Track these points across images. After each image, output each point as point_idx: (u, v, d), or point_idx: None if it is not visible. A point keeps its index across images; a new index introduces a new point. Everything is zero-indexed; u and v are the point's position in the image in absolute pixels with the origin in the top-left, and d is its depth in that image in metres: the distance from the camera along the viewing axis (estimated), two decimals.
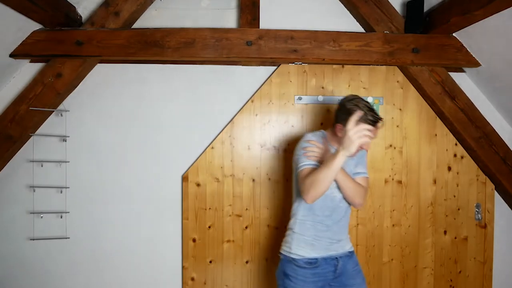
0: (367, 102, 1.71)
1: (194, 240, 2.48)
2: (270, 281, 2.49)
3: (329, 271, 1.76)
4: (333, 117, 1.81)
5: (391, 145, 2.51)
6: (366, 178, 1.85)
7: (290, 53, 2.32)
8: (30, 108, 2.30)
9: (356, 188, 1.73)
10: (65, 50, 2.26)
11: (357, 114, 1.54)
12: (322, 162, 1.66)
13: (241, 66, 2.53)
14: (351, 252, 1.85)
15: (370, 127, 1.56)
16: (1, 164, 2.41)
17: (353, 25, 2.53)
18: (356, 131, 1.50)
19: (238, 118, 2.48)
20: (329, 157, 1.59)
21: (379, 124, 1.69)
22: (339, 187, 1.73)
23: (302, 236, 1.77)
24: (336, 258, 1.78)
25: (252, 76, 2.53)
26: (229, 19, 2.51)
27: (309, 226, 1.77)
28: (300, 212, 1.80)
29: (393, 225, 2.51)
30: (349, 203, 1.80)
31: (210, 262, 2.48)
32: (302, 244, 1.76)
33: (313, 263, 1.74)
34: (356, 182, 1.76)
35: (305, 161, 1.71)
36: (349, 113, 1.61)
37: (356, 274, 1.82)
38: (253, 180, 2.49)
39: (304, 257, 1.74)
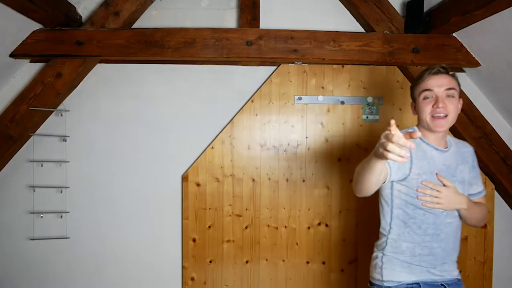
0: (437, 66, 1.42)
1: (194, 240, 2.48)
2: (270, 281, 2.49)
3: None
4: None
5: None
6: (484, 196, 1.54)
7: (290, 53, 2.32)
8: (30, 108, 2.30)
9: (482, 213, 1.46)
10: (65, 50, 2.26)
11: (394, 129, 1.04)
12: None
13: (241, 66, 2.53)
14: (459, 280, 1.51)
15: (405, 147, 1.02)
16: (1, 164, 2.41)
17: (353, 25, 2.53)
18: (385, 141, 1.04)
19: (238, 118, 2.48)
20: (370, 155, 1.25)
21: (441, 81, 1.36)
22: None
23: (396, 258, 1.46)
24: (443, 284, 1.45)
25: (252, 76, 2.53)
26: (229, 19, 2.51)
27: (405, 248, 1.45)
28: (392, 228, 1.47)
29: None
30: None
31: (210, 262, 2.48)
32: (397, 268, 1.45)
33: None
34: (481, 207, 1.47)
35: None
36: (413, 88, 1.42)
37: None
38: (253, 180, 2.49)
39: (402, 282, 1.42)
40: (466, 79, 2.52)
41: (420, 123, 1.47)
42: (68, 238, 2.49)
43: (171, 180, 2.52)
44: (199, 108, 2.52)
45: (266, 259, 2.49)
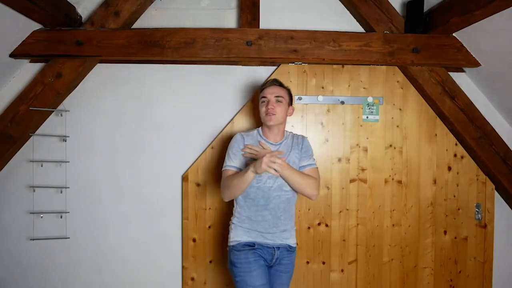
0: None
1: (194, 240, 2.48)
2: None
3: (266, 258, 1.87)
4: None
5: (391, 145, 2.51)
6: (314, 168, 1.94)
7: (290, 53, 2.32)
8: (30, 108, 2.30)
9: (304, 180, 1.82)
10: (65, 50, 2.26)
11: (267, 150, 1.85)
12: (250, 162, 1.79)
13: (241, 66, 2.53)
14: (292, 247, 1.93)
15: (278, 160, 1.67)
16: (1, 164, 2.41)
17: (353, 25, 2.53)
18: (268, 160, 1.65)
19: (238, 118, 2.48)
20: (243, 171, 1.76)
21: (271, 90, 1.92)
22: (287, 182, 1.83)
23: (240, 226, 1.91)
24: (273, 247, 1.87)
25: (252, 76, 2.53)
26: (229, 19, 2.51)
27: (245, 217, 1.89)
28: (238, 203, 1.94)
29: (393, 225, 2.51)
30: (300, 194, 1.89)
31: (210, 262, 2.48)
32: (239, 232, 1.90)
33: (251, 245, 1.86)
34: (303, 175, 1.85)
35: (228, 162, 1.90)
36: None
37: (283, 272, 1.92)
38: None
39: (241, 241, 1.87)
40: (466, 79, 2.52)
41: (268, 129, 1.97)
42: (68, 238, 2.49)
43: (171, 180, 2.52)
44: (199, 108, 2.52)
45: None
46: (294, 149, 1.93)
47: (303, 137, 2.02)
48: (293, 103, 2.03)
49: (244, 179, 1.74)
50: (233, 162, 1.88)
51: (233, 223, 1.93)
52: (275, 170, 1.66)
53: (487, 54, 2.25)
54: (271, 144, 1.93)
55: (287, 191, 1.88)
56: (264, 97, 1.92)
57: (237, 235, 1.89)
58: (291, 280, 2.47)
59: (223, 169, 1.90)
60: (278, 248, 1.87)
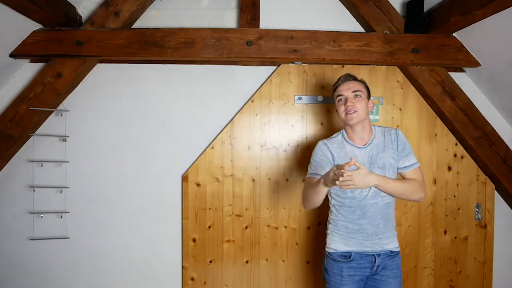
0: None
1: (194, 240, 2.48)
2: (270, 281, 2.49)
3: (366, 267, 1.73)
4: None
5: None
6: (417, 168, 1.75)
7: (290, 53, 2.32)
8: (30, 108, 2.30)
9: (408, 189, 1.67)
10: (65, 50, 2.26)
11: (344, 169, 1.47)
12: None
13: (241, 66, 2.53)
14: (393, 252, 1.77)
15: (348, 176, 1.48)
16: (1, 164, 2.41)
17: (353, 25, 2.53)
18: (333, 175, 1.47)
19: (238, 118, 2.48)
20: (316, 182, 1.63)
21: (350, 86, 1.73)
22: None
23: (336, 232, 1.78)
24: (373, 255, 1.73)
25: (252, 76, 2.53)
26: (229, 19, 2.51)
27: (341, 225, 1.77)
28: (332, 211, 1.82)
29: None
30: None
31: (210, 262, 2.48)
32: (336, 238, 1.77)
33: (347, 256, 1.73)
34: (405, 183, 1.69)
35: (309, 169, 1.78)
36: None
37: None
38: (253, 180, 2.49)
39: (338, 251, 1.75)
40: (466, 79, 2.52)
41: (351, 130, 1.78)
42: (68, 238, 2.49)
43: (171, 180, 2.52)
44: (199, 108, 2.52)
45: (266, 259, 2.49)
46: (388, 148, 1.73)
47: (396, 131, 1.78)
48: (370, 96, 1.83)
49: (317, 191, 1.62)
50: (314, 170, 1.75)
51: (328, 228, 1.82)
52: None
53: (487, 54, 2.25)
54: (358, 148, 1.74)
55: (384, 196, 1.72)
56: (340, 95, 1.74)
57: (334, 242, 1.77)
58: (291, 280, 2.49)
59: (306, 176, 1.80)
60: (379, 255, 1.73)
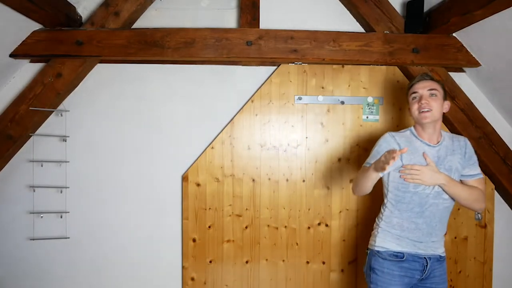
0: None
1: (194, 240, 2.48)
2: (270, 281, 2.49)
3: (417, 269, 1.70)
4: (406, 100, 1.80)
5: None
6: (481, 179, 1.74)
7: (290, 53, 2.32)
8: (30, 108, 2.30)
9: (472, 196, 1.66)
10: (65, 50, 2.26)
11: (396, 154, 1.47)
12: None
13: (241, 66, 2.53)
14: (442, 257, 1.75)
15: (417, 170, 1.57)
16: (1, 164, 2.41)
17: (353, 25, 2.53)
18: (387, 159, 1.48)
19: (238, 118, 2.48)
20: (368, 168, 1.67)
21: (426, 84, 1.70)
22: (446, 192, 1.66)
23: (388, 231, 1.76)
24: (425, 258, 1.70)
25: (252, 76, 2.53)
26: (229, 19, 2.51)
27: (395, 222, 1.74)
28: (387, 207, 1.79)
29: None
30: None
31: (210, 262, 2.48)
32: (388, 238, 1.74)
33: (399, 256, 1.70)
34: (471, 190, 1.68)
35: (368, 159, 1.78)
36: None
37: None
38: (253, 180, 2.49)
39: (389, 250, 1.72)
40: (466, 79, 2.52)
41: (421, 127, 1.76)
42: (68, 238, 2.49)
43: (171, 180, 2.52)
44: (199, 108, 2.52)
45: (266, 259, 2.49)
46: (456, 153, 1.72)
47: (465, 139, 1.78)
48: (447, 97, 1.77)
49: (366, 176, 1.64)
50: (373, 159, 1.71)
51: (380, 227, 1.78)
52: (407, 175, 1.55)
53: (487, 54, 2.25)
54: (428, 145, 1.71)
55: (445, 199, 1.69)
56: (415, 92, 1.72)
57: (385, 241, 1.73)
58: (291, 280, 2.49)
59: (363, 165, 1.81)
60: (430, 258, 1.70)
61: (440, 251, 1.74)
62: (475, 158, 1.76)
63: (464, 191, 1.66)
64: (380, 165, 1.52)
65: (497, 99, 2.47)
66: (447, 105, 1.74)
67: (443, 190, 1.65)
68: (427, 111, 1.66)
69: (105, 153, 2.50)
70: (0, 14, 1.93)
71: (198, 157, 2.48)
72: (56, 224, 2.49)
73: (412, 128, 1.78)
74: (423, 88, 1.70)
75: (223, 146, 2.48)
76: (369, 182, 1.66)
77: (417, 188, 1.67)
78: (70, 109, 2.47)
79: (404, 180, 1.64)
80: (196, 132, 2.52)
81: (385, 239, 1.74)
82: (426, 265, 1.70)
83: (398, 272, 1.68)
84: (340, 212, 2.50)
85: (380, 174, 1.66)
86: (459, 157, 1.72)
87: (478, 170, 1.75)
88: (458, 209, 2.52)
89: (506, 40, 2.04)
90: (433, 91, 1.69)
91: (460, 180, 1.74)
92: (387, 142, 1.75)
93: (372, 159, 1.75)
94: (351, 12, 2.52)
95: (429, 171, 1.59)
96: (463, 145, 1.75)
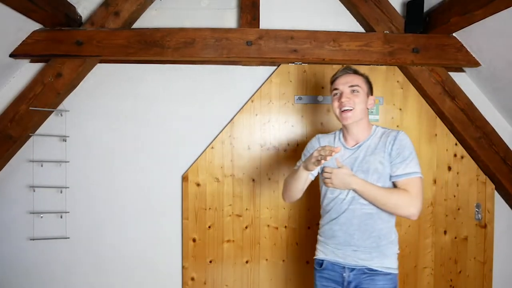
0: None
1: (194, 240, 2.48)
2: (270, 281, 2.49)
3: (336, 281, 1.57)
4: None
5: None
6: (412, 179, 1.49)
7: (290, 53, 2.32)
8: (30, 108, 2.30)
9: (392, 200, 1.45)
10: (65, 50, 2.26)
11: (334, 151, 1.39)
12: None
13: (241, 66, 2.53)
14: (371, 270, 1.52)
15: (329, 173, 1.47)
16: (1, 164, 2.41)
17: (353, 25, 2.53)
18: (318, 155, 1.41)
19: (238, 118, 2.48)
20: (297, 169, 1.60)
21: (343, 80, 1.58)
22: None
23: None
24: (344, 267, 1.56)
25: (252, 76, 2.53)
26: (229, 19, 2.51)
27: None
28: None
29: None
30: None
31: (210, 262, 2.48)
32: (317, 246, 1.69)
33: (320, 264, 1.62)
34: (390, 193, 1.48)
35: (298, 162, 1.74)
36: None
37: None
38: (253, 180, 2.49)
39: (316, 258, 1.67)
40: (466, 79, 2.52)
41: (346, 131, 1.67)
42: (68, 238, 2.49)
43: (171, 180, 2.52)
44: (199, 108, 2.52)
45: (266, 259, 2.49)
46: (378, 151, 1.53)
47: (397, 133, 1.55)
48: (372, 92, 1.64)
49: (296, 177, 1.55)
50: (301, 162, 1.67)
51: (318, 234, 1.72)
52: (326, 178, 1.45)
53: (487, 54, 2.25)
54: (346, 148, 1.60)
55: (364, 205, 1.51)
56: (335, 89, 1.59)
57: (317, 249, 1.67)
58: (291, 280, 2.49)
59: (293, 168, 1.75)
60: (352, 269, 1.52)
61: (373, 263, 1.51)
62: (407, 155, 1.50)
63: (381, 195, 1.45)
64: (312, 161, 1.42)
65: (497, 99, 2.47)
66: (371, 101, 1.62)
67: (358, 194, 1.50)
68: (348, 110, 1.54)
69: (105, 153, 2.50)
70: (0, 14, 1.93)
71: (198, 157, 2.48)
72: (56, 224, 2.49)
73: (340, 132, 1.70)
74: (344, 84, 1.57)
75: (223, 146, 2.48)
76: (298, 183, 1.56)
77: (333, 194, 1.57)
78: (70, 109, 2.47)
79: (324, 185, 1.54)
80: (196, 132, 2.52)
81: (317, 247, 1.67)
82: (344, 275, 1.53)
83: (319, 282, 1.60)
84: None
85: (311, 176, 1.62)
86: (381, 156, 1.52)
87: (409, 169, 1.49)
88: (458, 209, 2.52)
89: (506, 40, 2.04)
90: (354, 87, 1.56)
91: (393, 182, 1.53)
92: (312, 144, 1.72)
93: (300, 161, 1.72)
94: (351, 12, 2.52)
95: (340, 174, 1.44)
96: (390, 141, 1.52)
